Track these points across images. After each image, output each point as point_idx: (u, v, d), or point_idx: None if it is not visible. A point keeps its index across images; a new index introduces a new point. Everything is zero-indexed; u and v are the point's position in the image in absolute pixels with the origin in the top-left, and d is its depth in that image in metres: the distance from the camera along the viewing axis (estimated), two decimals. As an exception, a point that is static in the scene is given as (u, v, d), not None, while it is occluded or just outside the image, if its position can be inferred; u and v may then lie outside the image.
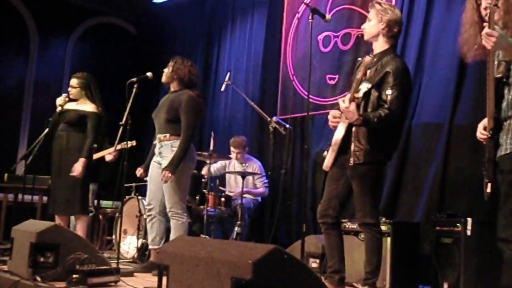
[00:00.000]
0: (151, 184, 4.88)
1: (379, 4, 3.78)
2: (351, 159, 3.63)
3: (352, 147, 3.64)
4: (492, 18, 2.52)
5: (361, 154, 3.61)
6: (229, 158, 6.58)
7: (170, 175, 4.57)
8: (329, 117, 3.87)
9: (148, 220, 4.92)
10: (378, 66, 3.69)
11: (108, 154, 6.42)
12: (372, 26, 3.79)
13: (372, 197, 3.70)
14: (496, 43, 2.48)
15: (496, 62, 2.69)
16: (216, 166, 6.68)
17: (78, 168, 5.12)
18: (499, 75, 2.68)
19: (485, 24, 2.59)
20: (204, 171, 6.38)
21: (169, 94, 4.96)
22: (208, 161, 6.04)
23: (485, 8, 2.72)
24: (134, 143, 6.05)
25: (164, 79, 4.93)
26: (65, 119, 5.31)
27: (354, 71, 3.96)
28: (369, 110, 3.62)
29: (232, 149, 6.62)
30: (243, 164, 6.56)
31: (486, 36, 2.50)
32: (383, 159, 3.77)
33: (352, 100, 3.55)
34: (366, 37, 3.86)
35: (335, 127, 3.78)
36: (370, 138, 3.61)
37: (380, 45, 3.79)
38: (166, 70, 4.92)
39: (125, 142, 5.32)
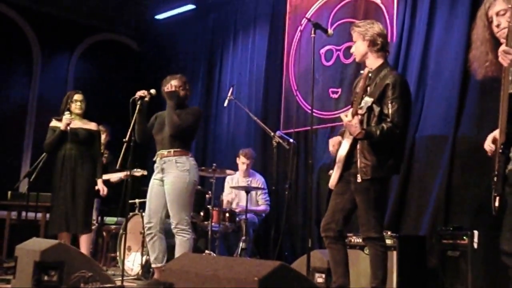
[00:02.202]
0: (152, 203, 4.79)
1: (357, 26, 3.90)
2: (359, 175, 3.64)
3: (359, 163, 3.65)
4: (510, 35, 2.54)
5: (368, 170, 3.62)
6: (232, 173, 6.54)
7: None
8: (330, 147, 3.94)
9: (148, 239, 4.79)
10: (377, 80, 3.74)
11: (115, 177, 6.40)
12: (358, 47, 3.88)
13: (376, 211, 3.68)
14: None
15: (510, 78, 2.69)
16: (227, 193, 6.68)
17: (104, 188, 5.44)
18: None
19: (502, 41, 2.63)
20: (224, 202, 6.47)
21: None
22: (214, 180, 6.02)
23: (497, 26, 2.76)
24: (145, 172, 6.07)
25: (179, 100, 4.82)
26: (76, 138, 5.30)
27: (355, 85, 4.02)
28: (372, 124, 3.64)
29: (243, 159, 6.57)
30: (247, 179, 6.54)
31: (504, 54, 2.53)
32: (391, 173, 3.77)
33: (355, 114, 3.60)
34: (357, 59, 3.95)
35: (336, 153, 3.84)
36: (375, 153, 3.63)
37: (372, 62, 3.85)
38: (183, 92, 4.81)
39: (136, 170, 5.48)
